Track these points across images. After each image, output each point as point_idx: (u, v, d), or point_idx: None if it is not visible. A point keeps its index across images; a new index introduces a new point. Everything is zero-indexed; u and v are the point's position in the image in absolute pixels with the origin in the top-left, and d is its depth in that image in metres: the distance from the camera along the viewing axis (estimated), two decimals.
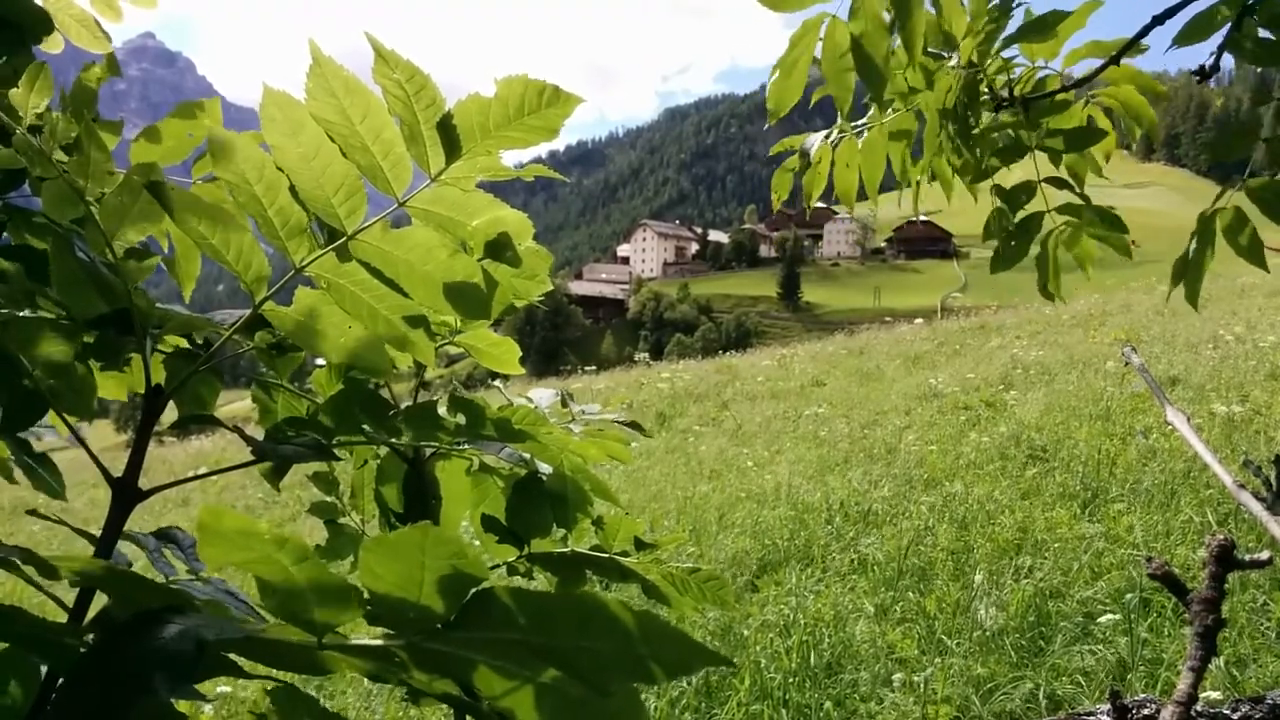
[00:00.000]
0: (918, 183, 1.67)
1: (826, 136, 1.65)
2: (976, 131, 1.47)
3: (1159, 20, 1.31)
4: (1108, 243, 1.52)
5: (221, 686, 4.28)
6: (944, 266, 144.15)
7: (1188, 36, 1.24)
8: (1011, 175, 1.56)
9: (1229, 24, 1.21)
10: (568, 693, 0.46)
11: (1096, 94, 1.57)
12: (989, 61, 1.48)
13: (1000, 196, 1.55)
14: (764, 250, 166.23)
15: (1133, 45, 1.40)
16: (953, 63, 1.48)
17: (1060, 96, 1.48)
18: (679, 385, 15.03)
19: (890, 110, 1.59)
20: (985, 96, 1.46)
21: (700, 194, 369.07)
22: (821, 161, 1.68)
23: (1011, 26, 1.53)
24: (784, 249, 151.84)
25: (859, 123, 1.63)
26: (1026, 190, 1.53)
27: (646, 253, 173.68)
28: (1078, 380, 9.50)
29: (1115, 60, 1.42)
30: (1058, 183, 1.53)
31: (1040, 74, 1.53)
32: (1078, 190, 1.52)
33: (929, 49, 1.45)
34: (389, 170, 0.74)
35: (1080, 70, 1.51)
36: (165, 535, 0.97)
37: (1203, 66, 1.27)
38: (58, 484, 0.93)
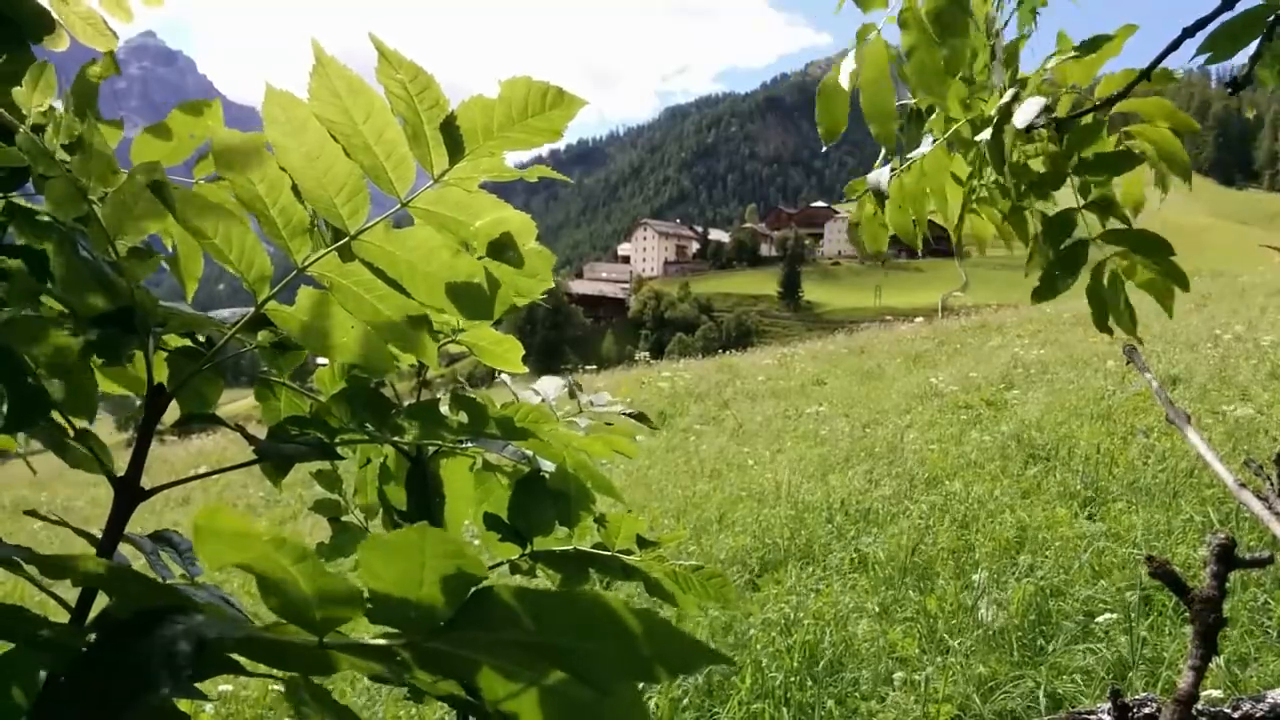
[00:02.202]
0: (959, 224, 1.61)
1: (892, 170, 1.58)
2: (1013, 160, 1.42)
3: (1189, 33, 1.27)
4: (1165, 276, 1.42)
5: (223, 685, 4.28)
6: (945, 265, 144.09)
7: (1214, 47, 1.20)
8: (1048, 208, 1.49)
9: (1260, 36, 1.18)
10: (572, 696, 0.46)
11: (1131, 130, 1.48)
12: (1024, 77, 1.44)
13: (1043, 225, 1.47)
14: (765, 249, 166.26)
15: (1164, 58, 1.35)
16: (995, 81, 1.44)
17: (1087, 119, 1.41)
18: (680, 384, 15.03)
19: (931, 142, 1.54)
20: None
21: (701, 193, 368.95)
22: (876, 211, 1.63)
23: (1039, 47, 1.50)
24: (785, 248, 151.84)
25: (911, 155, 1.57)
26: (1067, 221, 1.45)
27: (647, 252, 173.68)
28: (1078, 379, 9.50)
29: (1146, 74, 1.37)
30: (1102, 207, 1.46)
31: (1074, 98, 1.49)
32: (1120, 217, 1.44)
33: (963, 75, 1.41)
34: (392, 171, 0.74)
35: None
36: (161, 538, 0.97)
37: (1235, 79, 1.25)
38: (104, 456, 0.91)
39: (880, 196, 1.56)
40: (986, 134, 1.40)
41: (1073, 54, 1.41)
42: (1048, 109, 1.40)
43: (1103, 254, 1.46)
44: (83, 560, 0.53)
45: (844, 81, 1.39)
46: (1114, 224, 1.46)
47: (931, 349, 15.26)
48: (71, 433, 0.90)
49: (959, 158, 1.55)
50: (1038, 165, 1.49)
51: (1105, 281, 1.47)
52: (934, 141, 1.53)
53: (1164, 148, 1.46)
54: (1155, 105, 1.45)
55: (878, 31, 1.31)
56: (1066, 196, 1.49)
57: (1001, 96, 1.41)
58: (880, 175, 1.56)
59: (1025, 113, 1.34)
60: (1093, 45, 1.40)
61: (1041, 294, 1.48)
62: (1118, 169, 1.45)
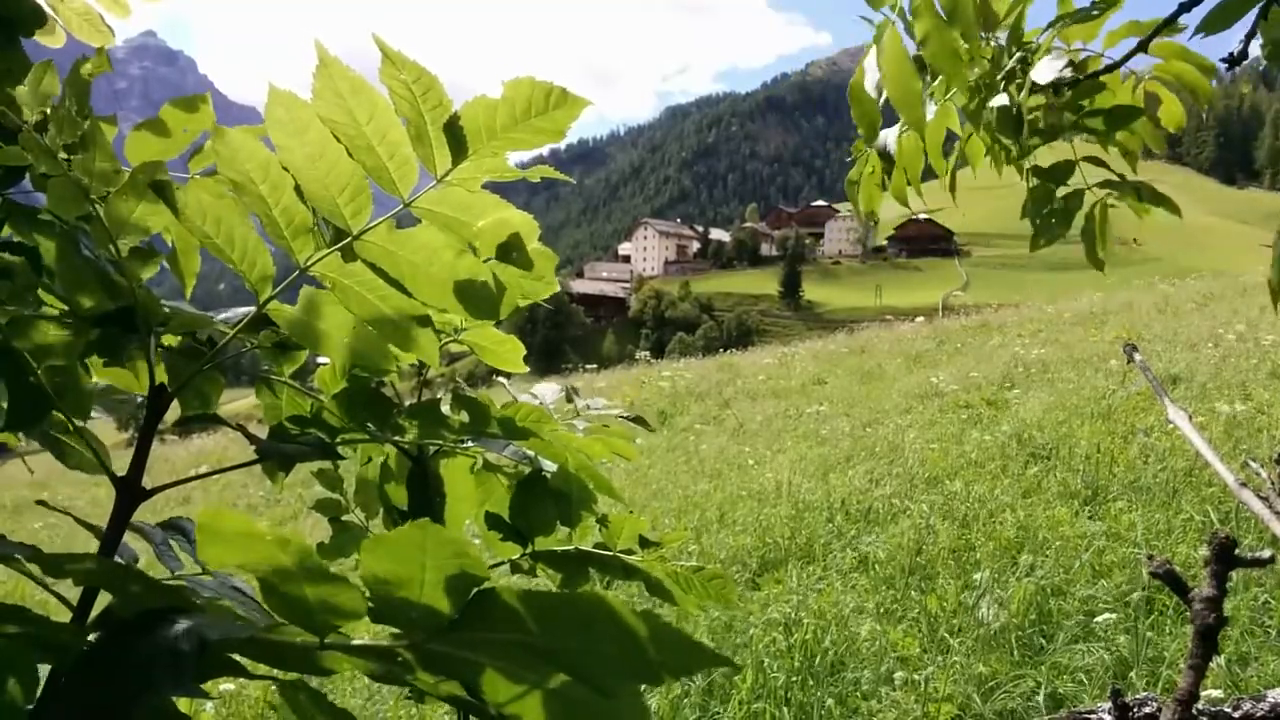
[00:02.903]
0: (952, 173, 1.65)
1: (901, 132, 1.62)
2: (1016, 113, 1.46)
3: (1185, 7, 1.29)
4: (1157, 205, 1.51)
5: (225, 684, 4.28)
6: (945, 265, 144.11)
7: (1209, 24, 1.22)
8: (1043, 156, 1.55)
9: (1255, 12, 1.19)
10: (575, 698, 0.46)
11: (1155, 70, 1.56)
12: (1031, 43, 1.47)
13: (1039, 175, 1.54)
14: (765, 249, 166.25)
15: (1167, 25, 1.39)
16: (999, 41, 1.47)
17: (1102, 78, 1.48)
18: (680, 384, 15.03)
19: (933, 107, 1.57)
20: (1021, 80, 1.45)
21: (701, 192, 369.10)
22: (875, 170, 1.66)
23: (1043, 8, 1.53)
24: (785, 247, 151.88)
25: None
26: (1065, 169, 1.53)
27: (648, 251, 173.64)
28: (1079, 379, 9.49)
29: (1145, 44, 1.42)
30: (1095, 162, 1.53)
31: (1080, 56, 1.52)
32: (1120, 169, 1.52)
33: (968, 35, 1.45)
34: (395, 171, 0.74)
35: (1119, 52, 1.50)
36: (173, 526, 0.97)
37: (1232, 54, 1.26)
38: (101, 455, 0.91)
39: (888, 160, 1.60)
40: (1003, 99, 1.44)
41: (1093, 14, 1.44)
42: (1071, 64, 1.45)
43: (1095, 197, 1.56)
44: (84, 559, 0.53)
45: (869, 86, 1.42)
46: (1108, 175, 1.54)
47: (932, 349, 15.25)
48: (70, 430, 0.90)
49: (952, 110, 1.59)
50: (1040, 117, 1.55)
51: (1098, 214, 1.57)
52: (935, 106, 1.57)
53: (1186, 79, 1.54)
54: (1168, 47, 1.51)
55: (893, 26, 1.34)
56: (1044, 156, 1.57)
57: (1006, 60, 1.44)
58: (888, 136, 1.59)
59: (1044, 74, 1.39)
60: (1101, 7, 1.43)
61: (1037, 241, 1.57)
62: (1123, 122, 1.50)
